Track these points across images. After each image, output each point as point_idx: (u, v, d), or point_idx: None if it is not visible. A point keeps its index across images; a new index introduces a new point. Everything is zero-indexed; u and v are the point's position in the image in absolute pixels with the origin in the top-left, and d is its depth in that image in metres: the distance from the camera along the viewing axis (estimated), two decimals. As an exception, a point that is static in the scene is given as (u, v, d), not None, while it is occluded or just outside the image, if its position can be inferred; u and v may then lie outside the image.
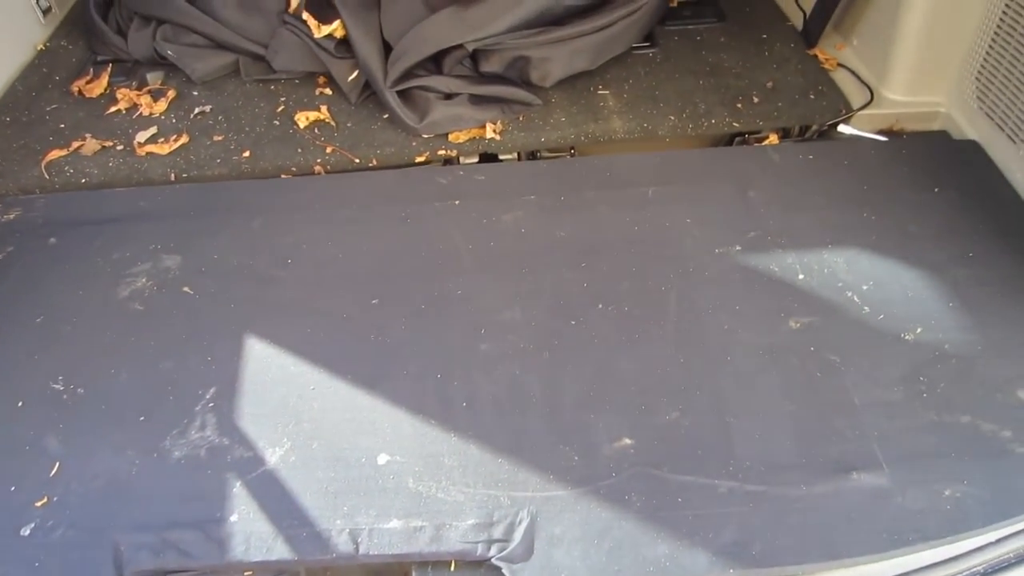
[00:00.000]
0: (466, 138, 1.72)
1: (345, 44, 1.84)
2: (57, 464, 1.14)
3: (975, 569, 1.01)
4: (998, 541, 1.01)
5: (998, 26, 1.48)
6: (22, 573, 1.02)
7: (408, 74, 1.75)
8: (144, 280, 1.41)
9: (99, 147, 1.78)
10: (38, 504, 1.09)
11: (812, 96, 1.76)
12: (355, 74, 1.83)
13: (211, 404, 1.20)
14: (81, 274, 1.43)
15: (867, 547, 0.99)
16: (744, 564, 0.98)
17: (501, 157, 1.75)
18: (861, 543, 0.99)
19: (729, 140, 1.78)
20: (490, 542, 1.01)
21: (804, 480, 1.05)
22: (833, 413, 1.13)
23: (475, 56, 1.80)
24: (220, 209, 1.56)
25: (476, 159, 1.74)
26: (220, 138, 1.79)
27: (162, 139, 1.79)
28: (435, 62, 1.80)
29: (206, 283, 1.39)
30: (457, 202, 1.52)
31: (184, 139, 1.78)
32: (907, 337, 1.23)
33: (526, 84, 1.79)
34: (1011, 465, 1.06)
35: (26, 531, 1.06)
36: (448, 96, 1.75)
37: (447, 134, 1.73)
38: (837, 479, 1.05)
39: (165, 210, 1.57)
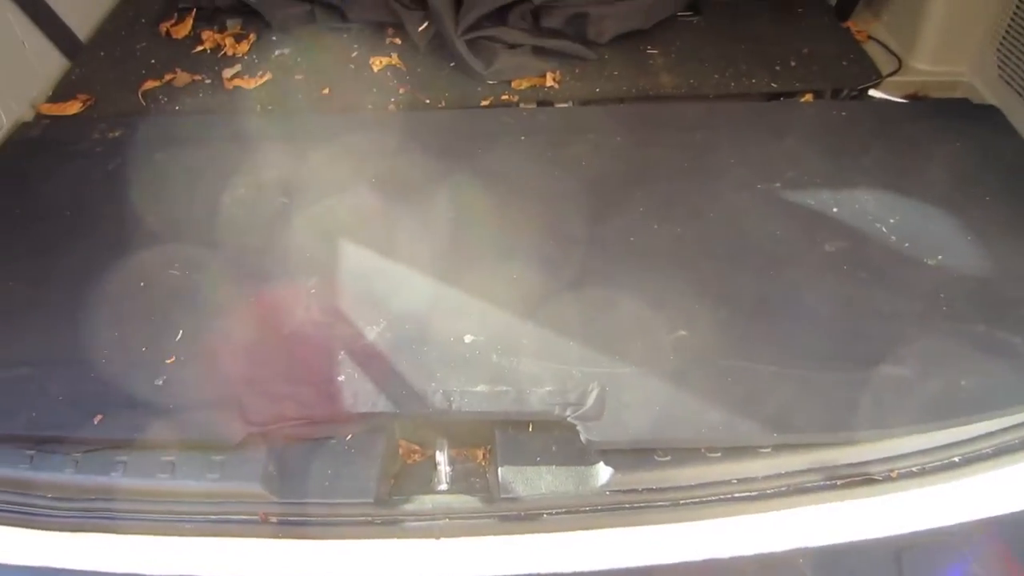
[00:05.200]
0: (527, 85, 1.88)
1: (417, -4, 2.00)
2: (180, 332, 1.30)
3: (984, 451, 1.17)
4: (1011, 428, 1.17)
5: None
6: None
7: (477, 25, 1.90)
8: (243, 190, 1.57)
9: (190, 80, 1.94)
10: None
11: (845, 63, 1.92)
12: (425, 24, 1.98)
13: (313, 291, 1.36)
14: (192, 187, 1.60)
15: (891, 423, 1.15)
16: (785, 431, 1.13)
17: (558, 104, 1.90)
18: (885, 420, 1.15)
19: (767, 100, 1.94)
20: (566, 404, 1.17)
21: (838, 368, 1.21)
22: (863, 319, 1.29)
23: (536, 12, 1.96)
24: (308, 136, 1.72)
25: (535, 105, 1.90)
26: (300, 77, 1.94)
27: (247, 75, 1.95)
28: (500, 16, 1.96)
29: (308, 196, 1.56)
30: (523, 138, 1.68)
31: (268, 76, 1.94)
32: (929, 262, 1.39)
33: (583, 40, 1.95)
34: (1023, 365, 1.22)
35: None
36: (512, 46, 1.91)
37: (510, 81, 1.89)
38: (866, 369, 1.20)
39: (257, 135, 1.72)
